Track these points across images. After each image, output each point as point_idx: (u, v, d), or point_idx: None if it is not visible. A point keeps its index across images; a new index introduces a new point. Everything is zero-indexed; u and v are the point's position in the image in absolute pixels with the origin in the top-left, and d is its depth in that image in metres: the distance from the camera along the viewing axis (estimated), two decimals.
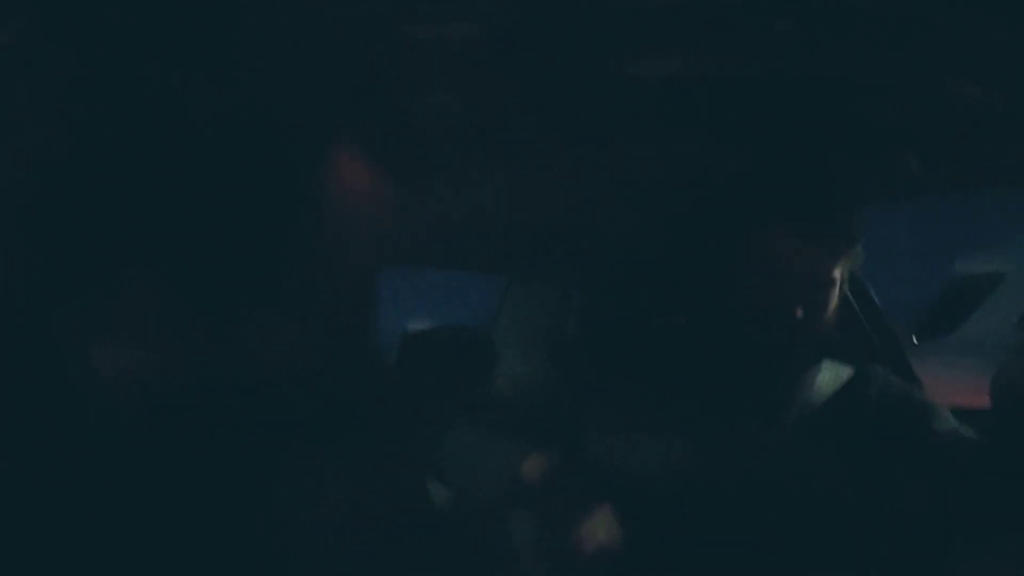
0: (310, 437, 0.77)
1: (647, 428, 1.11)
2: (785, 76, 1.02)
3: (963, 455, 1.11)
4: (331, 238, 0.80)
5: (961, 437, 1.14)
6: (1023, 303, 3.47)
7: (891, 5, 0.87)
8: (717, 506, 1.07)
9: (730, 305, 1.12)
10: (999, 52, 0.97)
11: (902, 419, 1.16)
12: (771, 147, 1.19)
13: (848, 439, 1.12)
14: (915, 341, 3.53)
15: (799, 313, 1.08)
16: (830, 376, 1.18)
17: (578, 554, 0.99)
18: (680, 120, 1.14)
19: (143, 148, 0.73)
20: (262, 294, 0.79)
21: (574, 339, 1.79)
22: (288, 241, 0.80)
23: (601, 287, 1.69)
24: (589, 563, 0.98)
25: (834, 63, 1.01)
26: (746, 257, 1.11)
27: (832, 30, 0.91)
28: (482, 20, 0.86)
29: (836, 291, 1.12)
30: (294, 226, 0.79)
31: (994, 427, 0.99)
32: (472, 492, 1.11)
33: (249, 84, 0.79)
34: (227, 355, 0.74)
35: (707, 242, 1.16)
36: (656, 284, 1.30)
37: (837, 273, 1.11)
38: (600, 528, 0.99)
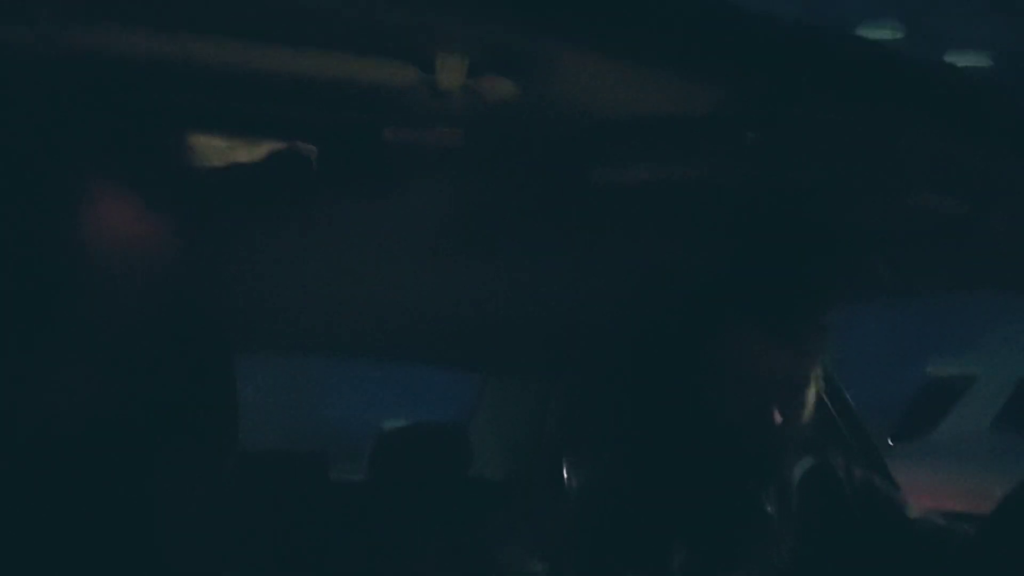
0: None
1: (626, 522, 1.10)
2: (757, 184, 1.05)
3: (946, 546, 1.12)
4: None
5: (939, 526, 1.16)
6: (996, 405, 3.50)
7: (859, 118, 0.91)
8: None
9: (704, 406, 1.14)
10: (964, 164, 1.01)
11: (871, 506, 1.18)
12: (743, 252, 1.22)
13: (821, 528, 1.13)
14: (890, 443, 3.53)
15: (775, 416, 1.10)
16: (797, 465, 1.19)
17: None
18: (656, 225, 1.16)
19: None
20: None
21: (553, 436, 1.78)
22: None
23: (579, 385, 1.68)
24: None
25: (804, 173, 1.04)
26: (719, 359, 1.13)
27: (802, 141, 0.94)
28: (462, 127, 0.89)
29: (809, 393, 1.14)
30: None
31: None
32: None
33: None
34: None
35: (681, 345, 1.18)
36: (633, 383, 1.31)
37: (809, 375, 1.13)
38: None
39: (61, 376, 0.67)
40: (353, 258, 1.31)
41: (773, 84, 0.81)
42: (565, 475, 1.49)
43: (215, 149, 0.78)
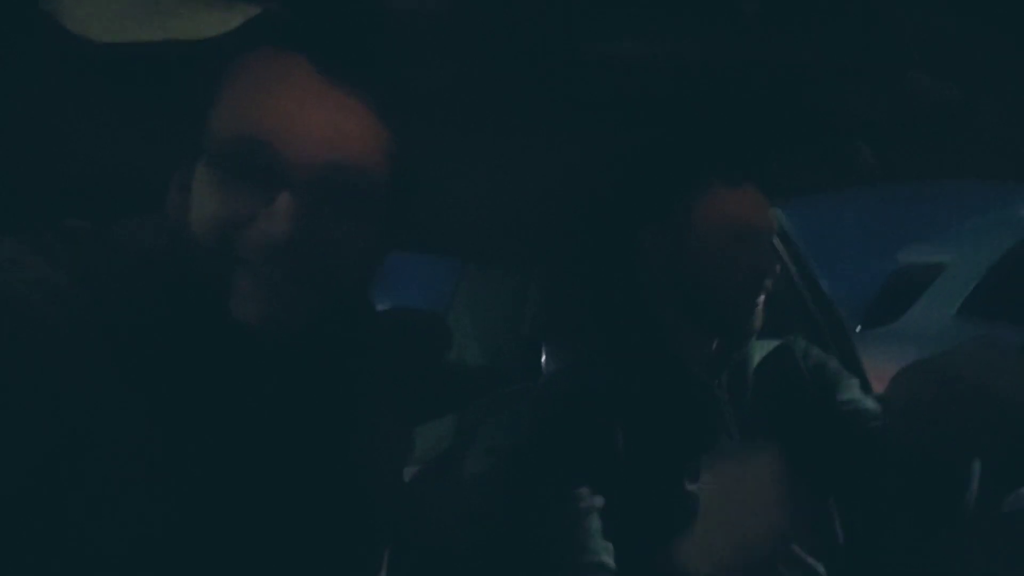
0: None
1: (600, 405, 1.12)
2: (747, 60, 1.02)
3: (860, 427, 1.18)
4: None
5: (859, 409, 1.21)
6: (961, 293, 3.57)
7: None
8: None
9: (673, 285, 1.15)
10: (955, 47, 0.98)
11: (816, 385, 1.23)
12: (722, 127, 1.21)
13: (770, 402, 1.19)
14: (859, 329, 3.61)
15: (738, 295, 1.12)
16: (759, 348, 1.23)
17: None
18: (639, 103, 1.14)
19: None
20: None
21: (531, 323, 1.79)
22: None
23: (557, 275, 1.68)
24: None
25: (795, 50, 1.01)
26: (687, 237, 1.13)
27: (795, 17, 0.91)
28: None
29: (770, 273, 1.15)
30: None
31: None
32: None
33: None
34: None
35: (651, 214, 1.18)
36: (603, 263, 1.30)
37: (771, 257, 1.16)
38: None
39: None
40: None
41: None
42: (543, 361, 1.50)
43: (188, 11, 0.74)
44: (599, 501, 1.05)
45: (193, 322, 0.69)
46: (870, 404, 1.23)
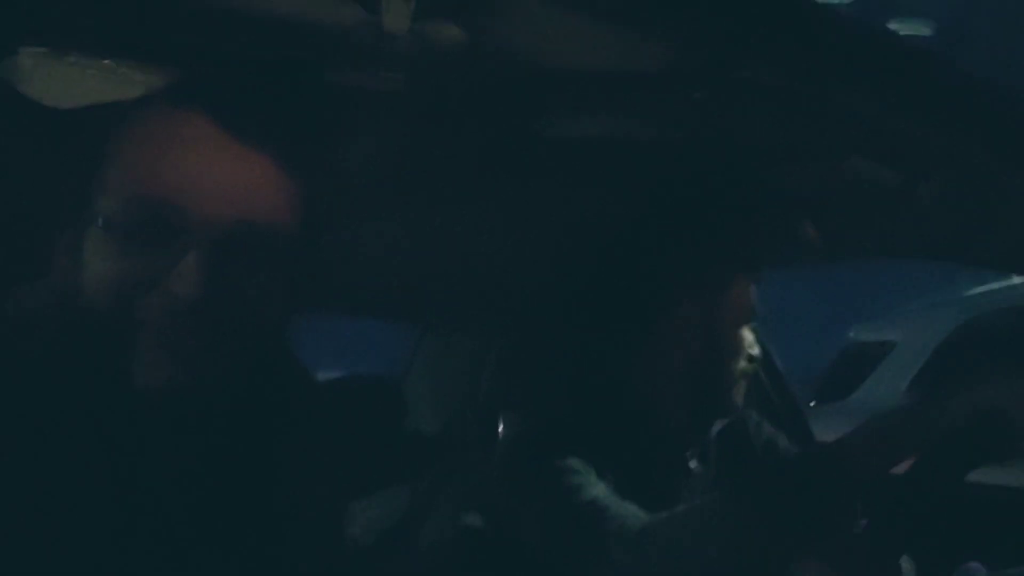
0: None
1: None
2: (700, 143, 1.06)
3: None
4: None
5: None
6: (911, 370, 3.65)
7: (800, 81, 0.92)
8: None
9: (634, 365, 1.16)
10: (895, 133, 1.03)
11: (773, 459, 1.26)
12: (679, 210, 1.24)
13: (728, 474, 1.21)
14: (811, 404, 3.66)
15: (700, 374, 1.14)
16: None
17: None
18: (592, 181, 1.17)
19: None
20: None
21: (489, 394, 1.78)
22: None
23: (516, 342, 1.69)
24: None
25: (744, 134, 1.05)
26: (650, 319, 1.15)
27: (744, 102, 0.95)
28: (406, 72, 0.87)
29: (735, 353, 1.17)
30: None
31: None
32: None
33: None
34: None
35: (613, 303, 1.20)
36: (569, 339, 1.31)
37: (735, 336, 1.17)
38: None
39: None
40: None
41: (721, 43, 0.81)
42: (500, 430, 1.50)
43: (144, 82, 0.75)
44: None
45: (93, 393, 0.66)
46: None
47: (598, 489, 1.05)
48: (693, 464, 1.19)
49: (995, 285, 3.78)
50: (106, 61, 0.73)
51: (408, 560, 1.35)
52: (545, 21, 0.78)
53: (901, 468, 0.91)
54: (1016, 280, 3.53)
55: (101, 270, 0.65)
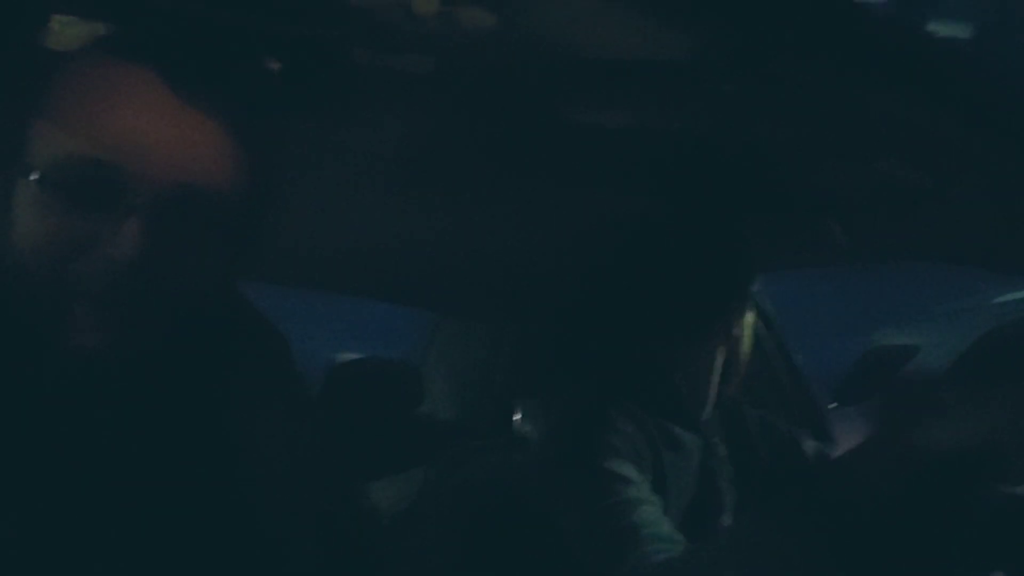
0: None
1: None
2: (725, 137, 1.05)
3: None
4: None
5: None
6: (935, 375, 3.61)
7: (834, 79, 0.91)
8: None
9: (648, 353, 1.17)
10: (928, 135, 1.01)
11: (785, 458, 1.25)
12: (698, 203, 1.23)
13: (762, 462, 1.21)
14: (833, 404, 3.63)
15: (711, 367, 1.15)
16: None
17: None
18: (616, 170, 1.16)
19: None
20: None
21: (505, 379, 1.78)
22: None
23: (535, 326, 1.69)
24: None
25: (773, 130, 1.04)
26: (664, 311, 1.15)
27: (776, 97, 0.94)
28: (435, 54, 0.86)
29: (741, 352, 1.19)
30: None
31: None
32: None
33: None
34: None
35: (630, 285, 1.20)
36: (585, 324, 1.31)
37: (740, 333, 1.19)
38: None
39: None
40: (313, 186, 1.28)
41: (754, 37, 0.80)
42: (515, 417, 1.50)
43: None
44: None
45: (24, 354, 0.63)
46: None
47: (643, 499, 1.03)
48: (721, 450, 1.20)
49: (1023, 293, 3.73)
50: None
51: (419, 543, 1.36)
52: (575, 7, 0.77)
53: (923, 474, 0.90)
54: None
55: (35, 229, 0.62)
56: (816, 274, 1.65)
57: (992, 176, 1.07)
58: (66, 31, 0.68)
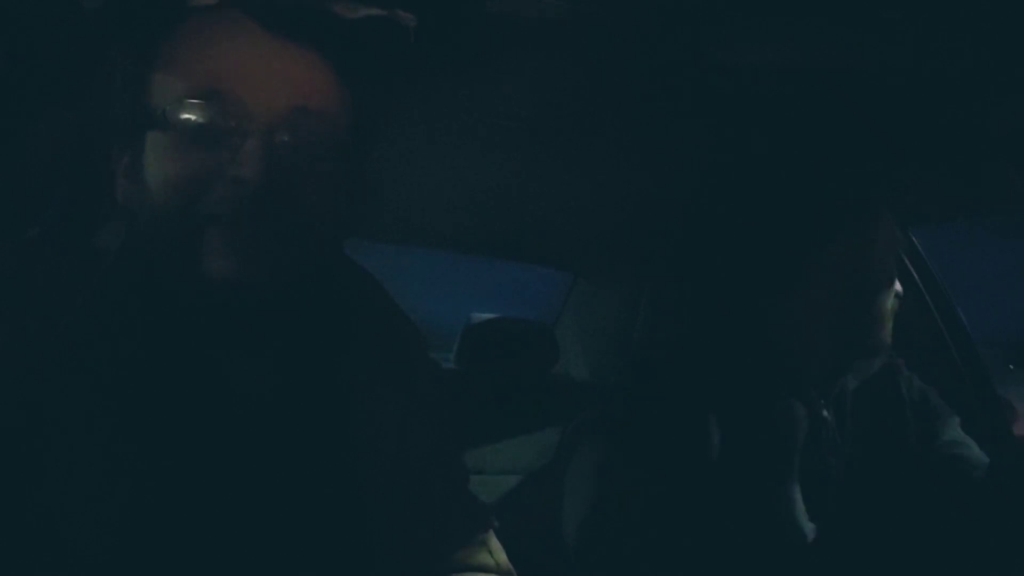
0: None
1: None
2: (889, 72, 0.95)
3: (964, 475, 1.13)
4: None
5: (964, 455, 1.15)
6: None
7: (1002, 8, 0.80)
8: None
9: (778, 308, 1.10)
10: None
11: (917, 419, 1.18)
12: (856, 143, 1.13)
13: (870, 428, 1.15)
14: (1011, 367, 3.35)
15: (842, 318, 1.07)
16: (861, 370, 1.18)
17: None
18: (766, 114, 1.08)
19: None
20: None
21: (640, 340, 1.74)
22: None
23: (669, 290, 1.63)
24: None
25: (940, 64, 0.93)
26: (799, 260, 1.08)
27: (940, 25, 0.84)
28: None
29: (882, 299, 1.09)
30: None
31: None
32: None
33: None
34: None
35: (774, 239, 1.13)
36: (720, 287, 1.25)
37: (882, 280, 1.09)
38: None
39: None
40: (451, 145, 1.27)
41: None
42: (649, 380, 1.45)
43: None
44: None
45: (173, 300, 0.68)
46: (975, 451, 1.17)
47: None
48: (826, 414, 1.12)
49: None
50: None
51: (555, 504, 1.35)
52: None
53: None
54: None
55: (167, 171, 0.67)
56: (988, 223, 1.50)
57: None
58: None
